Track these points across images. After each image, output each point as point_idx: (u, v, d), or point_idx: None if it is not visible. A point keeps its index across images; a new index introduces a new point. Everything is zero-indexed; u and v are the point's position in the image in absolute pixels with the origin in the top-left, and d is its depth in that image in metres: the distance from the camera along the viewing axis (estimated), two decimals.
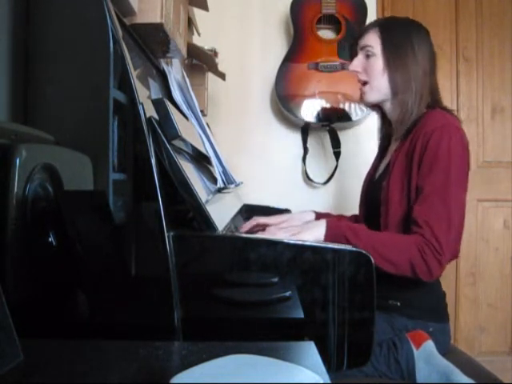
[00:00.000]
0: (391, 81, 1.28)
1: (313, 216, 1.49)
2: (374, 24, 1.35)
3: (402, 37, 1.29)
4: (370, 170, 1.48)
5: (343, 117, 2.18)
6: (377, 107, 1.41)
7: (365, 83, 1.34)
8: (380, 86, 1.31)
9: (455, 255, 1.19)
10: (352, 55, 1.39)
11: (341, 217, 1.54)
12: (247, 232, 1.32)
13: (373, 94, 1.33)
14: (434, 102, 1.30)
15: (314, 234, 1.13)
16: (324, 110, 2.17)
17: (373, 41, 1.30)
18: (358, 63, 1.34)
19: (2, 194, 0.65)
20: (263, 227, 1.32)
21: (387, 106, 1.35)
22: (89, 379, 0.50)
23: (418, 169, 1.19)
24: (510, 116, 2.48)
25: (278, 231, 1.17)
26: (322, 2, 2.22)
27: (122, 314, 0.79)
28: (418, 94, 1.26)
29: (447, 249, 1.11)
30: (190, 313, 0.80)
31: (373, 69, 1.30)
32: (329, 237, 1.12)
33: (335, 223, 1.17)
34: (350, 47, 1.41)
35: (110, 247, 0.81)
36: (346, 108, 2.18)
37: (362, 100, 1.39)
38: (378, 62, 1.29)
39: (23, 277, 0.69)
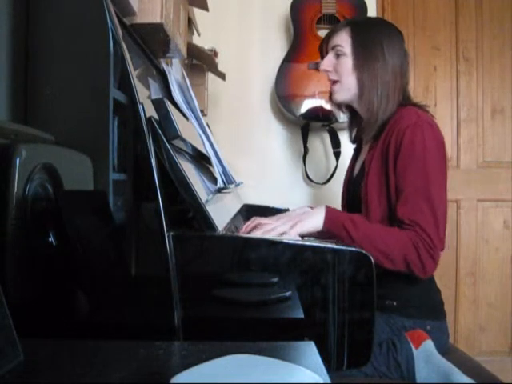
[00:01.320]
0: (359, 80, 1.29)
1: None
2: (345, 24, 1.36)
3: (372, 37, 1.30)
4: (348, 169, 1.49)
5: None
6: (346, 107, 1.42)
7: (334, 82, 1.35)
8: (349, 86, 1.32)
9: (443, 248, 1.20)
10: (322, 54, 1.40)
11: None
12: (247, 233, 1.32)
13: (343, 93, 1.34)
14: (406, 100, 1.31)
15: (313, 222, 1.14)
16: (324, 110, 2.18)
17: (343, 40, 1.32)
18: (328, 63, 1.35)
19: (2, 194, 0.65)
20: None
21: (356, 106, 1.36)
22: (89, 379, 0.50)
23: (395, 167, 1.20)
24: (510, 116, 2.48)
25: (277, 224, 1.16)
26: (321, 2, 2.22)
27: (122, 314, 0.79)
28: (384, 95, 1.27)
29: (438, 243, 1.13)
30: (190, 313, 0.80)
31: (343, 68, 1.32)
32: (327, 224, 1.14)
33: (334, 212, 1.18)
34: (320, 46, 1.41)
35: (109, 247, 0.81)
36: None
37: (330, 99, 1.40)
38: (348, 62, 1.31)
39: (23, 277, 0.69)
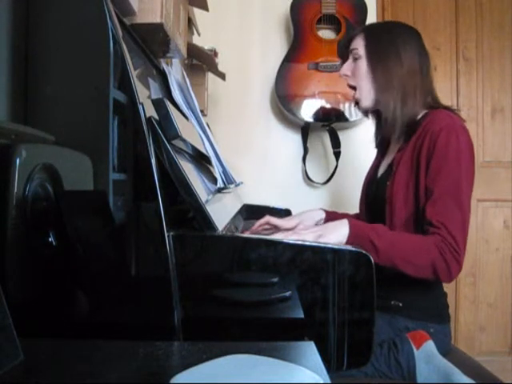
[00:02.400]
0: (374, 80, 1.30)
1: (322, 214, 1.49)
2: (360, 29, 1.38)
3: (385, 38, 1.31)
4: (370, 169, 1.48)
5: (343, 117, 2.18)
6: (372, 112, 1.41)
7: (353, 88, 1.36)
8: (368, 90, 1.32)
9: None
10: (343, 59, 1.41)
11: (345, 215, 1.54)
12: (258, 230, 1.33)
13: (366, 100, 1.34)
14: (435, 103, 1.31)
15: (338, 238, 1.10)
16: (324, 110, 2.18)
17: (358, 44, 1.33)
18: (347, 67, 1.36)
19: (2, 194, 0.65)
20: (272, 227, 1.33)
21: (378, 107, 1.35)
22: (89, 379, 0.50)
23: (427, 168, 1.19)
24: (510, 116, 2.48)
25: (299, 236, 1.12)
26: (321, 2, 2.22)
27: (122, 314, 0.79)
28: (399, 93, 1.27)
29: (463, 247, 1.13)
30: (190, 313, 0.80)
31: (359, 72, 1.33)
32: (352, 238, 1.10)
33: (357, 224, 1.14)
34: (339, 52, 1.42)
35: (109, 247, 0.81)
36: (346, 108, 2.18)
37: (358, 107, 1.39)
38: (363, 65, 1.32)
39: (23, 277, 0.69)
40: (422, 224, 1.16)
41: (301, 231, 1.15)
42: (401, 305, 1.21)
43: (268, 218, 1.33)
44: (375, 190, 1.38)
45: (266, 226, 1.35)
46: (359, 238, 1.09)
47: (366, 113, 1.44)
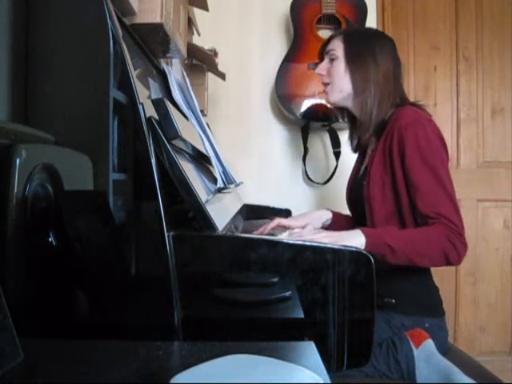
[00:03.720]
0: (352, 81, 1.34)
1: (329, 215, 1.53)
2: (339, 33, 1.43)
3: (364, 43, 1.37)
4: (352, 172, 1.51)
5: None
6: (343, 109, 1.46)
7: (326, 84, 1.40)
8: (341, 87, 1.36)
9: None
10: (320, 61, 1.45)
11: (345, 216, 1.55)
12: (268, 233, 1.34)
13: (334, 94, 1.38)
14: (403, 101, 1.35)
15: (356, 245, 1.07)
16: (324, 109, 2.18)
17: (336, 45, 1.38)
18: (323, 67, 1.41)
19: (2, 194, 0.65)
20: (282, 228, 1.36)
21: (351, 107, 1.40)
22: (89, 379, 0.50)
23: (402, 162, 1.22)
24: (510, 116, 2.48)
25: (320, 238, 1.10)
26: (322, 2, 2.22)
27: (121, 314, 0.79)
28: (376, 96, 1.31)
29: (463, 228, 1.17)
30: (190, 313, 0.80)
31: (335, 70, 1.37)
32: (369, 246, 1.09)
33: (371, 231, 1.14)
34: (319, 54, 1.47)
35: (110, 247, 0.81)
36: None
37: (327, 100, 1.46)
38: (341, 65, 1.36)
39: (23, 277, 0.69)
40: (416, 218, 1.20)
41: (316, 235, 1.13)
42: (394, 301, 1.22)
43: (279, 221, 1.36)
44: (355, 190, 1.41)
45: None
46: (376, 245, 1.10)
47: (341, 111, 1.48)
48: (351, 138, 1.50)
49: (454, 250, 1.14)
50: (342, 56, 1.36)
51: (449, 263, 1.15)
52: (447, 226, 1.14)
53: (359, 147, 1.48)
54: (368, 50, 1.34)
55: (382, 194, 1.26)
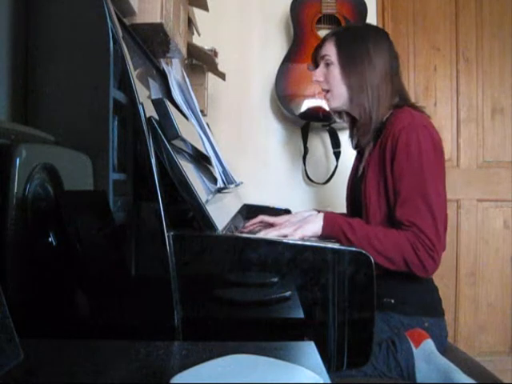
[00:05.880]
0: (347, 86, 1.33)
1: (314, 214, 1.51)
2: (330, 34, 1.40)
3: (357, 43, 1.33)
4: (351, 172, 1.51)
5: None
6: (344, 114, 1.44)
7: (326, 91, 1.39)
8: (340, 93, 1.35)
9: (444, 248, 1.21)
10: (315, 65, 1.43)
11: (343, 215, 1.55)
12: (250, 229, 1.37)
13: (335, 101, 1.37)
14: (402, 101, 1.33)
15: (313, 228, 1.17)
16: (324, 110, 2.17)
17: (329, 50, 1.35)
18: (319, 73, 1.39)
19: (2, 194, 0.65)
20: (265, 224, 1.38)
21: (351, 111, 1.38)
22: (89, 379, 0.50)
23: (392, 170, 1.21)
24: (510, 116, 2.48)
25: (280, 229, 1.20)
26: (321, 2, 2.22)
27: (122, 314, 0.79)
28: (375, 98, 1.30)
29: (437, 244, 1.14)
30: (190, 313, 0.80)
31: (332, 77, 1.35)
32: (326, 229, 1.17)
33: (332, 216, 1.20)
34: (312, 57, 1.45)
35: (110, 247, 0.81)
36: None
37: (328, 108, 1.44)
38: (336, 70, 1.34)
39: (23, 277, 0.69)
40: (394, 225, 1.19)
41: (280, 225, 1.23)
42: (393, 301, 1.22)
43: (262, 217, 1.38)
44: (354, 192, 1.42)
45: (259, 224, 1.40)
46: (333, 229, 1.16)
47: (339, 114, 1.46)
48: (352, 135, 1.49)
49: (417, 261, 1.12)
50: (336, 61, 1.34)
51: (412, 272, 1.14)
52: (417, 236, 1.13)
53: (358, 146, 1.48)
54: (362, 51, 1.31)
55: (378, 199, 1.26)
